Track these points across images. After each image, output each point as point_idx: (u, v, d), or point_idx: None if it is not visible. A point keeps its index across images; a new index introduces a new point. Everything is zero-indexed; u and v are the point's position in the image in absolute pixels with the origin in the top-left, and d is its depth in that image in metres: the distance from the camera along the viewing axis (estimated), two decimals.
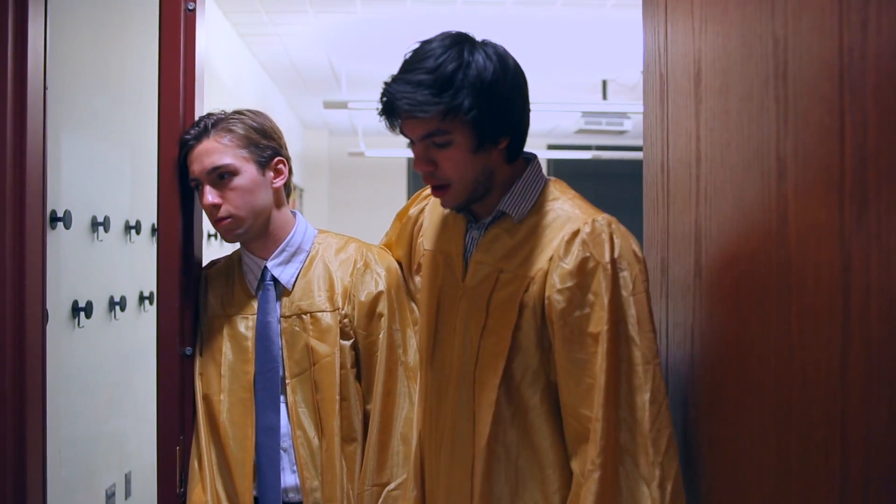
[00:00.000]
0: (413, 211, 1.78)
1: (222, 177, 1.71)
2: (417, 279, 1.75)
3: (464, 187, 1.43)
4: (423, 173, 1.43)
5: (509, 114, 1.41)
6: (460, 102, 1.35)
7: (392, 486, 1.71)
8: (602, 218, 1.40)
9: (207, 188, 1.71)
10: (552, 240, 1.41)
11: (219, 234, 1.75)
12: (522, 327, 1.41)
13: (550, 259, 1.39)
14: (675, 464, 1.33)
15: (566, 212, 1.43)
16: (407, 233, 1.79)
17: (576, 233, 1.38)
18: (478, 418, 1.45)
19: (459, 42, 1.40)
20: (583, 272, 1.36)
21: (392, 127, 1.43)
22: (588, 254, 1.36)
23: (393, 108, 1.38)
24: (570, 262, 1.37)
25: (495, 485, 1.42)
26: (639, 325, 1.35)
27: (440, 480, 1.53)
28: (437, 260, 1.58)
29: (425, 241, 1.65)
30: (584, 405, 1.35)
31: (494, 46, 1.43)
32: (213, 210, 1.72)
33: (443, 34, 1.43)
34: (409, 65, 1.39)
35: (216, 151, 1.71)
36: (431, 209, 1.67)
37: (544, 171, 1.53)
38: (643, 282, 1.37)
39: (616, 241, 1.37)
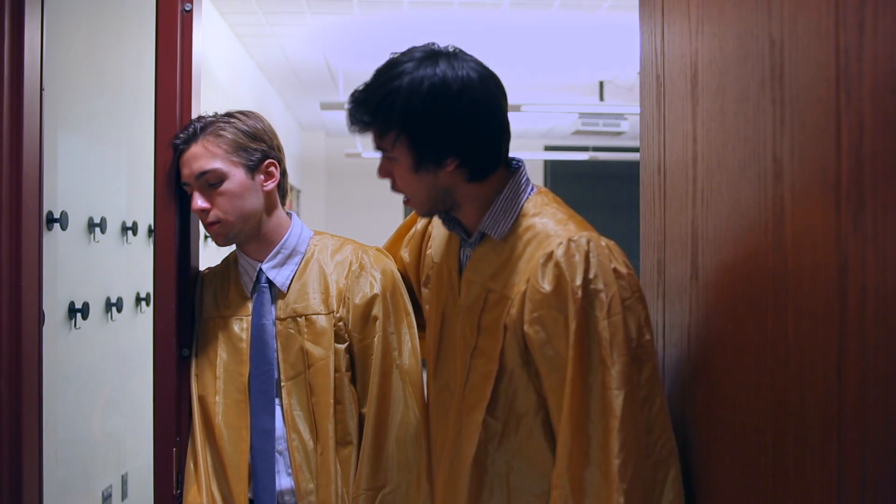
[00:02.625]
0: (421, 222, 1.78)
1: (210, 182, 1.71)
2: (425, 291, 1.76)
3: (419, 201, 1.47)
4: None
5: (449, 136, 1.38)
6: (387, 125, 1.39)
7: (387, 490, 1.70)
8: (579, 236, 1.35)
9: (196, 193, 1.71)
10: (529, 260, 1.39)
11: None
12: (506, 349, 1.39)
13: (528, 281, 1.37)
14: (638, 493, 1.29)
15: (545, 229, 1.40)
16: (416, 243, 1.78)
17: (550, 255, 1.35)
18: (464, 438, 1.44)
19: (414, 58, 1.40)
20: (558, 296, 1.33)
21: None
22: (562, 277, 1.33)
23: (347, 123, 1.45)
24: (546, 286, 1.34)
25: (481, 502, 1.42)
26: (612, 349, 1.30)
27: (439, 492, 1.54)
28: (443, 272, 1.59)
29: (434, 253, 1.66)
30: (559, 432, 1.33)
31: (459, 64, 1.39)
32: (202, 215, 1.72)
33: (413, 49, 1.43)
34: (369, 80, 1.43)
35: (203, 156, 1.71)
36: (437, 221, 1.67)
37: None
38: (622, 301, 1.32)
39: (592, 260, 1.33)
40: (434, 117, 1.37)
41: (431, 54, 1.40)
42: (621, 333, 1.31)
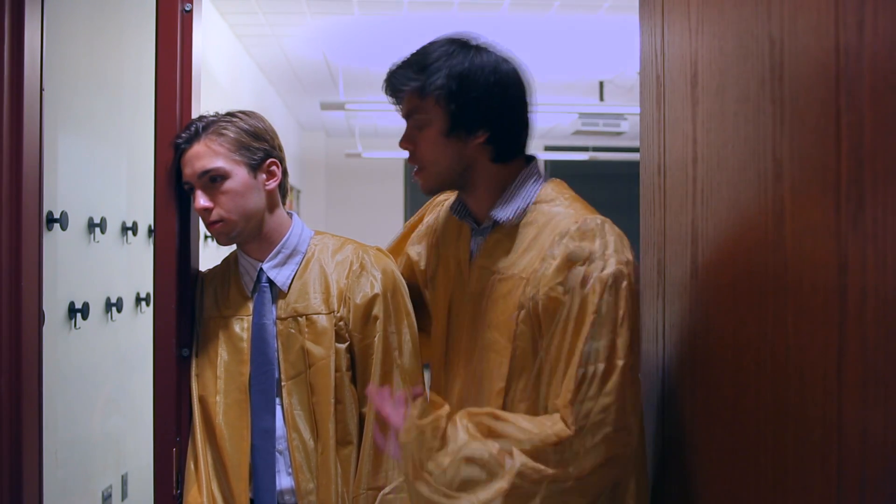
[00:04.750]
0: (430, 218, 1.79)
1: (213, 180, 1.71)
2: (427, 291, 1.76)
3: (436, 172, 1.50)
4: (407, 153, 1.52)
5: (485, 107, 1.44)
6: (432, 81, 1.43)
7: (387, 489, 1.70)
8: (594, 217, 1.41)
9: (199, 192, 1.71)
10: (544, 241, 1.43)
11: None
12: (519, 329, 1.42)
13: (542, 259, 1.41)
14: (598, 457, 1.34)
15: (560, 213, 1.45)
16: (422, 238, 1.79)
17: (565, 232, 1.40)
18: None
19: (457, 40, 1.47)
20: (569, 266, 1.37)
21: (398, 109, 1.53)
22: (573, 247, 1.38)
23: (386, 85, 1.50)
24: (557, 257, 1.39)
25: None
26: (623, 319, 1.35)
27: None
28: (450, 264, 1.60)
29: (440, 246, 1.67)
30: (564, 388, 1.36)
31: (497, 52, 1.48)
32: (204, 214, 1.72)
33: (454, 33, 1.50)
34: (409, 55, 1.50)
35: (206, 155, 1.71)
36: (443, 214, 1.69)
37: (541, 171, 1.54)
38: (630, 284, 1.37)
39: (607, 238, 1.38)
40: (478, 85, 1.44)
41: (474, 42, 1.49)
42: (630, 308, 1.36)
